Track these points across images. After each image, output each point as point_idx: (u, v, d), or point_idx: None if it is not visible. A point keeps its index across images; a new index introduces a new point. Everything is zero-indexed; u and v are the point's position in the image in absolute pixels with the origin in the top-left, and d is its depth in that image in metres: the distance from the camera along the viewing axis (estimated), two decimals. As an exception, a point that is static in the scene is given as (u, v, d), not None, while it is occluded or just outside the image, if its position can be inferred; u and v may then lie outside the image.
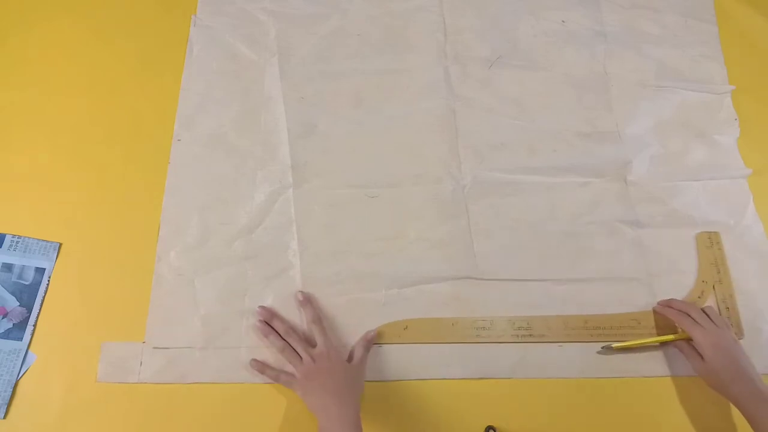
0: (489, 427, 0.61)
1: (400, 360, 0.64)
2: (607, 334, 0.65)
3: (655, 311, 0.66)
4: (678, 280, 0.68)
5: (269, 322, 0.63)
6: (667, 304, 0.65)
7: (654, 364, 0.64)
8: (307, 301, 0.64)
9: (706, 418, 0.62)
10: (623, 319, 0.65)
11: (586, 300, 0.66)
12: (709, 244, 0.69)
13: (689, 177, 0.73)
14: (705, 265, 0.68)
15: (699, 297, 0.67)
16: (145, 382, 0.61)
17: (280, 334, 0.62)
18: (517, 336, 0.64)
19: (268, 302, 0.65)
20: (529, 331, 0.65)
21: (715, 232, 0.70)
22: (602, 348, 0.64)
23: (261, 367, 0.61)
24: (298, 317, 0.65)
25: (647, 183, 0.72)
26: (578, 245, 0.69)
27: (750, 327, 0.65)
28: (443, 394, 0.62)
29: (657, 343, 0.64)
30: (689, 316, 0.61)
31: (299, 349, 0.60)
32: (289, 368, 0.61)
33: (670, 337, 0.63)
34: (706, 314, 0.62)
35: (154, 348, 0.63)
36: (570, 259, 0.68)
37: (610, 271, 0.68)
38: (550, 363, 0.64)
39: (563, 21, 0.81)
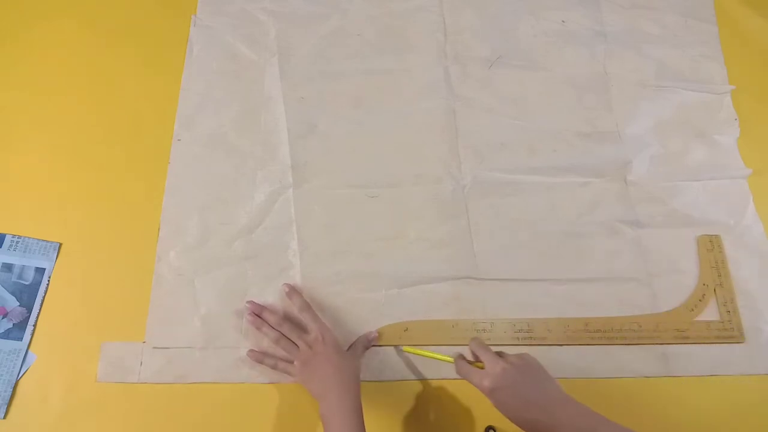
0: (489, 427, 0.61)
1: (401, 360, 0.64)
2: (608, 337, 0.64)
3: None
4: (678, 280, 0.68)
5: (260, 314, 0.62)
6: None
7: (654, 363, 0.64)
8: (293, 290, 0.64)
9: (706, 417, 0.62)
10: (624, 322, 0.65)
11: (586, 300, 0.66)
12: (711, 247, 0.69)
13: (689, 177, 0.73)
14: (706, 268, 0.68)
15: (700, 300, 0.66)
16: (145, 382, 0.61)
17: (273, 326, 0.62)
18: (518, 338, 0.64)
19: (268, 302, 0.65)
20: (530, 334, 0.64)
21: (716, 236, 0.69)
22: (395, 347, 0.64)
23: (258, 356, 0.61)
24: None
25: (647, 183, 0.72)
26: (578, 245, 0.69)
27: (750, 327, 0.65)
28: (443, 394, 0.62)
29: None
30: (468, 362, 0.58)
31: (294, 338, 0.60)
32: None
33: (450, 359, 0.60)
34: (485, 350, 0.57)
35: (154, 348, 0.63)
36: (570, 259, 0.68)
37: (610, 271, 0.68)
38: (550, 363, 0.63)
39: (563, 21, 0.81)
